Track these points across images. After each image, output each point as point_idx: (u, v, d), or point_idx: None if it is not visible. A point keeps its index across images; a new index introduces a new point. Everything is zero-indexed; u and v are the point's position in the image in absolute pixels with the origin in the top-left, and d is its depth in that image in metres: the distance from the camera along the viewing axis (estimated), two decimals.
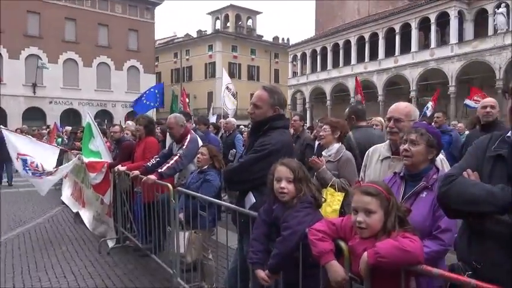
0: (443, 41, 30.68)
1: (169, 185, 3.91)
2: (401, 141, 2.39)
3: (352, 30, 35.37)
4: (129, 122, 6.85)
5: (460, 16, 28.40)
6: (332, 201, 3.39)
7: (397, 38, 31.55)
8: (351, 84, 35.19)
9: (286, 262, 2.18)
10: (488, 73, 26.35)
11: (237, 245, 3.05)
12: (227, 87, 13.32)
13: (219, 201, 3.48)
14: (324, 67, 38.14)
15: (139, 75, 37.85)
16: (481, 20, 27.97)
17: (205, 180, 3.96)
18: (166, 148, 5.13)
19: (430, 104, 16.18)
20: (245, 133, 8.71)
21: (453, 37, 28.37)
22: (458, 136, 6.02)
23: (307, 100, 39.96)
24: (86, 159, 6.10)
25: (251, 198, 2.65)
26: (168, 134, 5.44)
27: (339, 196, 3.43)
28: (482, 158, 1.65)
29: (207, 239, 3.99)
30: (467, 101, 15.62)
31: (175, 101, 6.28)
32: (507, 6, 25.79)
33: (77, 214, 7.45)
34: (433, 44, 29.87)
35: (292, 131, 6.67)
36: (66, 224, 7.35)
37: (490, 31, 26.72)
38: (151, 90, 7.78)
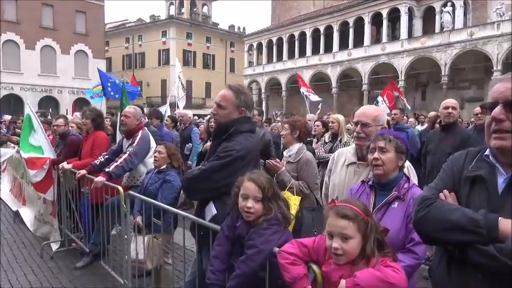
0: (394, 36, 31.73)
1: (120, 188, 3.59)
2: (367, 150, 2.26)
3: (307, 22, 35.65)
4: (77, 114, 6.33)
5: (410, 13, 29.45)
6: None
7: (351, 32, 32.22)
8: (306, 75, 35.58)
9: (247, 284, 1.98)
10: (435, 69, 27.64)
11: (194, 246, 2.81)
12: (179, 77, 12.90)
13: (176, 210, 3.18)
14: (279, 58, 38.27)
15: (88, 60, 35.95)
16: (429, 17, 29.18)
17: (165, 180, 3.70)
18: (116, 144, 4.76)
19: (380, 99, 16.53)
20: (201, 126, 8.41)
21: (403, 33, 29.42)
22: (414, 133, 6.13)
23: (262, 90, 40.00)
24: (25, 155, 5.56)
25: (212, 209, 2.42)
26: (118, 127, 5.07)
27: (296, 200, 3.30)
28: (458, 178, 1.52)
29: (168, 242, 3.73)
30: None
31: (126, 94, 5.74)
32: (453, 5, 27.08)
33: (17, 213, 6.86)
34: (384, 38, 30.81)
35: None
36: (4, 224, 6.72)
37: (437, 28, 27.98)
38: (117, 82, 7.39)
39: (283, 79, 37.57)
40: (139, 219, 3.63)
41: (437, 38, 27.52)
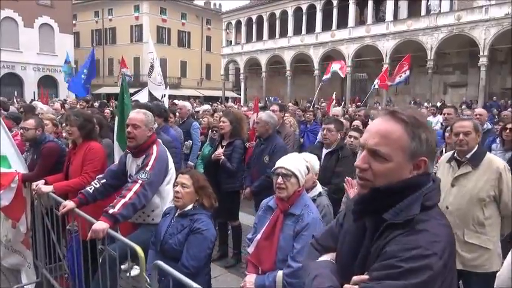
0: (378, 18, 30.81)
1: (140, 252, 2.33)
2: None
3: (289, 1, 34.08)
4: (44, 108, 4.81)
5: None
6: None
7: (335, 12, 31.03)
8: (287, 56, 34.35)
9: None
10: (420, 53, 27.01)
11: None
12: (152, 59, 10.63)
13: None
14: (259, 37, 36.71)
15: (54, 34, 33.25)
16: None
17: (193, 230, 2.53)
18: (116, 160, 3.49)
19: (376, 82, 16.30)
20: (204, 118, 7.12)
21: (389, 15, 28.54)
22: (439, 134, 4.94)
23: (241, 71, 38.48)
24: None
25: None
26: (116, 137, 3.80)
27: None
28: None
29: None
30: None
31: (126, 88, 3.87)
32: None
33: None
34: (368, 20, 29.85)
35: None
36: None
37: (423, 11, 27.20)
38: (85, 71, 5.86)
39: (263, 59, 36.14)
40: None
41: (424, 21, 26.83)
